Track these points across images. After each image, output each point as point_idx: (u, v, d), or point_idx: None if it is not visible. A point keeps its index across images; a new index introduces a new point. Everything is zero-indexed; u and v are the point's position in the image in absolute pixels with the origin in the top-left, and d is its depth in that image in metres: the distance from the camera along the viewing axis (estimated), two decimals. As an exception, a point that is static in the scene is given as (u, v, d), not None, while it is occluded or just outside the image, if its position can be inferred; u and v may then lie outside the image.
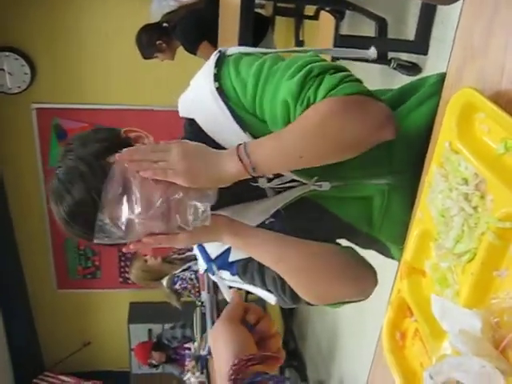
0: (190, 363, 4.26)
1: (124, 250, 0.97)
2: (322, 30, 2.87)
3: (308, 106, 0.92)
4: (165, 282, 4.16)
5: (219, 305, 3.77)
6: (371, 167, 1.02)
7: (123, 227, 0.92)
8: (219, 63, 1.03)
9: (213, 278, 1.14)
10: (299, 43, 4.50)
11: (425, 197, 0.79)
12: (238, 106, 1.00)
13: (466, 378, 0.58)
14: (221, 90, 1.00)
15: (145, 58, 3.70)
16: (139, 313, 5.82)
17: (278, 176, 1.02)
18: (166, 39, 3.59)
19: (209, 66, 1.03)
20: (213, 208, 1.01)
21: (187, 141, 0.98)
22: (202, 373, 3.96)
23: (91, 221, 0.91)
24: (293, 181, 1.03)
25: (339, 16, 2.86)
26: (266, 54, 1.07)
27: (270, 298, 1.14)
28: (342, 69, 0.96)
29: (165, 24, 3.63)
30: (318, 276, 1.05)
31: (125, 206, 0.91)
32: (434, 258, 0.76)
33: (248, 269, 1.12)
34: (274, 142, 0.91)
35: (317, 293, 1.07)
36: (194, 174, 0.90)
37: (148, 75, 4.67)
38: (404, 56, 3.01)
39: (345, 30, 3.81)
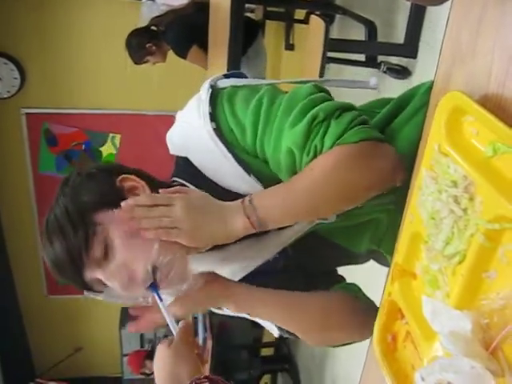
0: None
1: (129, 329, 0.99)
2: (312, 34, 2.88)
3: (315, 155, 0.88)
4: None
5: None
6: None
7: (104, 291, 0.91)
8: (213, 100, 0.97)
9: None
10: (289, 47, 4.52)
11: (415, 200, 0.79)
12: (237, 148, 0.96)
13: (457, 378, 0.58)
14: (219, 131, 0.95)
15: (136, 62, 3.69)
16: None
17: None
18: (156, 42, 3.58)
19: (201, 102, 0.97)
20: (213, 248, 0.99)
21: (192, 190, 0.94)
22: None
23: (70, 277, 0.91)
24: None
25: (329, 20, 2.88)
26: (259, 84, 1.02)
27: (274, 330, 1.12)
28: (347, 107, 0.92)
29: (153, 27, 3.63)
30: (326, 329, 1.05)
31: (106, 273, 0.88)
32: (425, 260, 0.76)
33: None
34: (281, 196, 0.87)
35: (322, 341, 1.10)
36: (199, 233, 0.85)
37: (138, 80, 4.66)
38: (394, 59, 3.03)
39: (335, 34, 3.84)
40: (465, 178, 0.66)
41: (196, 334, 3.90)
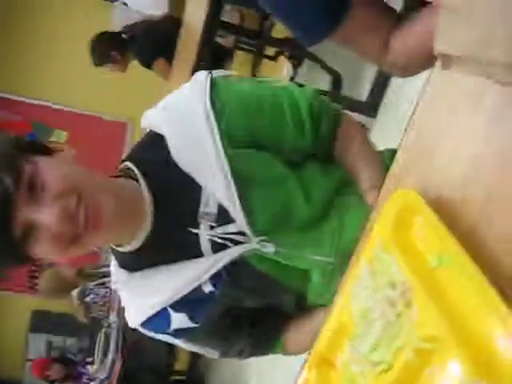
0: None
1: None
2: (278, 73, 2.86)
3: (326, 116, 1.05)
4: (75, 292, 4.01)
5: (126, 331, 3.63)
6: (319, 241, 1.01)
7: None
8: (212, 83, 1.00)
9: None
10: (254, 79, 4.51)
11: (349, 287, 0.74)
12: (225, 131, 0.98)
13: None
14: (215, 110, 0.97)
15: (96, 64, 3.61)
16: (41, 323, 5.56)
17: (221, 225, 0.97)
18: (122, 51, 3.52)
19: (198, 82, 1.00)
20: (145, 266, 1.02)
21: None
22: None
23: None
24: (234, 234, 0.98)
25: (297, 63, 2.87)
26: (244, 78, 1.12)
27: (214, 354, 1.17)
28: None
29: (124, 35, 3.58)
30: None
31: (41, 207, 0.87)
32: (347, 355, 0.71)
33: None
34: (370, 160, 1.03)
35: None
36: None
37: (96, 80, 4.54)
38: (353, 114, 3.04)
39: (300, 78, 3.84)
40: (403, 283, 0.61)
41: (105, 354, 3.74)
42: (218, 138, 0.96)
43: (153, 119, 1.05)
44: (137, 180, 1.00)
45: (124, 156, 1.08)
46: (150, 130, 1.06)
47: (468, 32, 0.53)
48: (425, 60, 0.90)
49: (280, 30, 4.07)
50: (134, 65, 3.67)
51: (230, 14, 4.07)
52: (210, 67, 3.14)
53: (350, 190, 1.06)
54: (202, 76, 1.02)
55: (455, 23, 0.54)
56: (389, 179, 0.75)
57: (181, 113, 1.01)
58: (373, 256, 0.68)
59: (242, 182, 0.96)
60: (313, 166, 1.04)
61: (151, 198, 0.99)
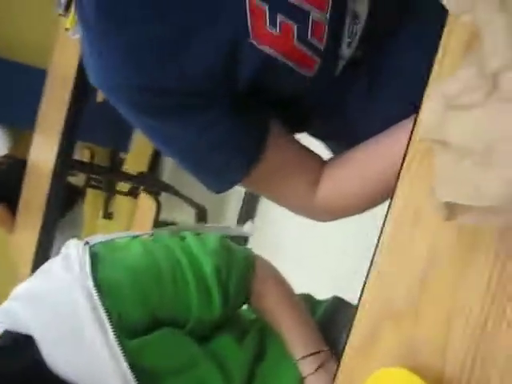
0: None
1: None
2: (140, 211, 2.73)
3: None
4: None
5: None
6: None
7: None
8: (92, 258, 0.78)
9: None
10: (108, 215, 4.37)
11: None
12: (118, 319, 0.74)
13: None
14: (101, 295, 0.73)
15: None
16: None
17: None
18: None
19: (74, 259, 0.77)
20: None
21: None
22: None
23: None
24: None
25: (154, 197, 2.77)
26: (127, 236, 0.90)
27: None
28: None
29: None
30: None
31: None
32: None
33: None
34: (299, 328, 0.88)
35: None
36: None
37: None
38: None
39: (163, 212, 3.72)
40: None
41: None
42: (109, 330, 0.73)
43: (11, 315, 0.77)
44: None
45: None
46: (7, 331, 0.75)
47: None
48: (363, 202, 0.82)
49: (132, 165, 3.98)
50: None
51: (79, 152, 3.90)
52: (62, 210, 2.92)
53: (272, 350, 0.90)
54: (77, 248, 0.80)
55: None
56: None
57: (54, 304, 0.75)
58: None
59: (146, 380, 0.74)
60: (225, 336, 0.87)
61: None
